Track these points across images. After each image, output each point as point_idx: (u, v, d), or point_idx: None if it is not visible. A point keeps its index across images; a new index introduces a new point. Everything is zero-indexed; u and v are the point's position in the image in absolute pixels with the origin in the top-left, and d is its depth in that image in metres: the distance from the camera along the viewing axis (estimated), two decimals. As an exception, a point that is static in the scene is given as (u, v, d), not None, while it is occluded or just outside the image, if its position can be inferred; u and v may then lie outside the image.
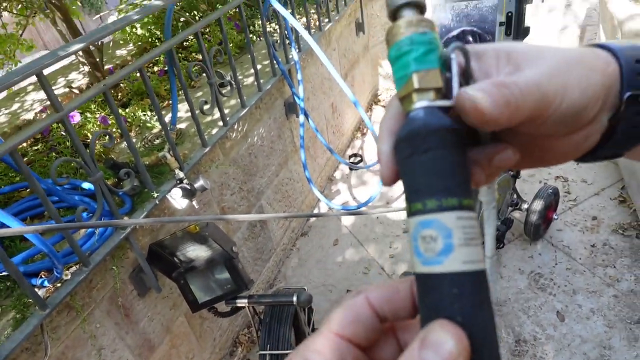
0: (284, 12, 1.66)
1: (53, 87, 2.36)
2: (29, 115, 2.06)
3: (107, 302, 1.34)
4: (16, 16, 2.46)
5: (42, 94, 2.30)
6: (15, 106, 2.20)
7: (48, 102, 2.18)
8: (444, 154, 0.21)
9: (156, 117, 1.90)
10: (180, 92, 1.68)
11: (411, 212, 0.21)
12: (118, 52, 2.59)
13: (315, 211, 2.73)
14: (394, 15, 0.24)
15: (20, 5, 2.34)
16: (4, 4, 2.30)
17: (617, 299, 1.95)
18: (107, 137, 1.20)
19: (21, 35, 2.32)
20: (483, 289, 0.21)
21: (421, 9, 0.23)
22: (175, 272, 1.46)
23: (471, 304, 0.20)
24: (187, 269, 1.44)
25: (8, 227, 0.98)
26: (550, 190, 2.16)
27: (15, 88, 2.59)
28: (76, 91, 2.20)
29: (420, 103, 0.22)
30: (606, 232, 2.25)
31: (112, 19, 2.68)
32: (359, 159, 3.07)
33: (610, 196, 2.45)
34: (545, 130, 0.27)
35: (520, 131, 0.26)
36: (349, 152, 3.20)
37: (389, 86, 3.72)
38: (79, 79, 2.36)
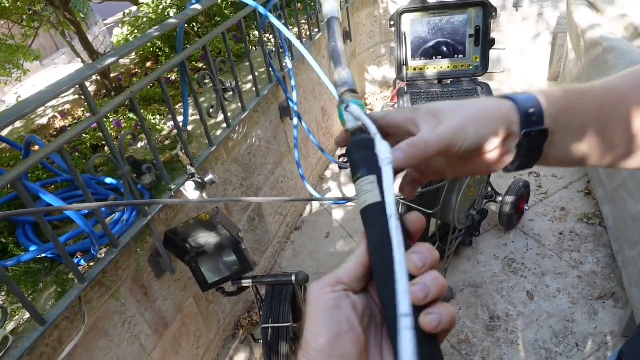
0: (280, 26, 1.87)
1: (64, 95, 2.54)
2: (43, 121, 2.24)
3: (130, 281, 1.53)
4: (22, 27, 2.64)
5: (52, 101, 2.47)
6: (30, 112, 2.37)
7: (60, 109, 2.36)
8: (355, 154, 0.40)
9: (164, 121, 2.10)
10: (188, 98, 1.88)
11: (353, 181, 0.40)
12: (122, 62, 2.77)
13: (308, 207, 2.93)
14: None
15: (26, 18, 2.51)
16: (14, 17, 2.48)
17: (581, 279, 2.18)
18: (132, 136, 1.39)
19: (30, 46, 2.50)
20: (372, 215, 0.37)
21: (354, 91, 0.42)
22: (187, 256, 1.65)
23: (368, 222, 0.37)
24: (198, 253, 1.64)
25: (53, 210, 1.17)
26: (522, 184, 2.40)
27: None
28: (87, 97, 2.38)
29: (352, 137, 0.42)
30: (573, 221, 2.50)
31: (116, 31, 2.86)
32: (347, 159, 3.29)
33: (577, 189, 2.70)
34: (458, 157, 0.40)
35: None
36: (339, 152, 3.42)
37: (375, 90, 3.96)
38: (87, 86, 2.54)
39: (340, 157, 3.32)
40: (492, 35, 1.84)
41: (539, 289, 2.17)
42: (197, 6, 1.60)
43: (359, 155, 0.39)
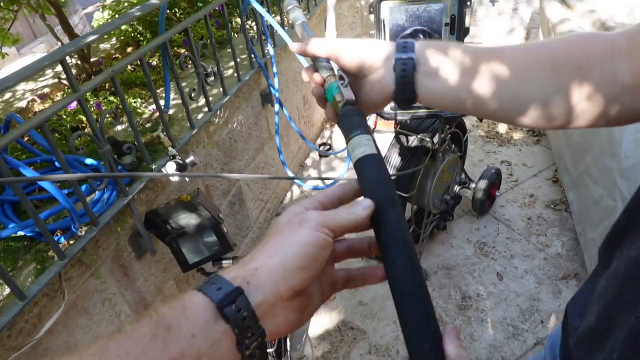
0: (263, 12, 1.90)
1: (42, 78, 2.51)
2: (22, 104, 2.21)
3: (110, 261, 1.54)
4: (0, 10, 2.57)
5: (31, 85, 2.43)
6: (7, 95, 2.33)
7: (39, 92, 2.33)
8: (349, 119, 0.48)
9: (145, 104, 2.10)
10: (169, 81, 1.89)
11: (347, 141, 0.47)
12: (102, 46, 2.74)
13: (288, 194, 2.97)
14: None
15: (4, 1, 2.45)
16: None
17: (547, 260, 2.30)
18: (113, 115, 1.41)
19: (9, 29, 2.44)
20: (370, 162, 0.44)
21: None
22: (168, 237, 1.67)
23: (365, 168, 0.44)
24: (179, 234, 1.66)
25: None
26: (494, 171, 2.50)
27: None
28: (65, 82, 2.36)
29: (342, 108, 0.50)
30: (540, 207, 2.62)
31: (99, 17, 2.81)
32: (327, 147, 3.34)
33: (545, 177, 2.82)
34: (356, 75, 0.51)
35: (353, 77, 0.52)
36: (319, 141, 3.47)
37: (355, 81, 4.01)
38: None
39: (320, 145, 3.37)
40: (469, 26, 1.90)
41: (508, 271, 2.28)
42: (179, -12, 1.61)
43: (354, 120, 0.47)
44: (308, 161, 3.27)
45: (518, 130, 3.24)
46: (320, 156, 3.22)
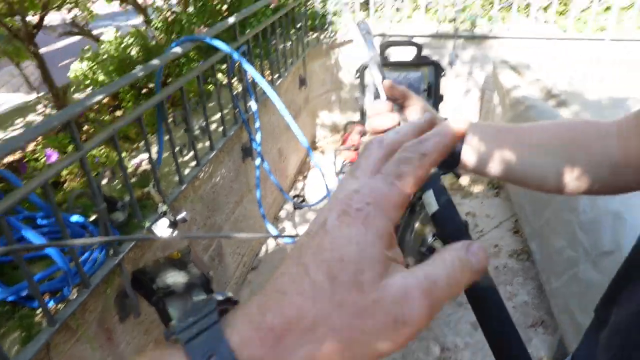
0: (252, 70, 1.99)
1: (11, 128, 2.41)
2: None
3: (95, 325, 1.46)
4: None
5: (0, 134, 2.33)
6: (-29, 144, 2.21)
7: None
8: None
9: (127, 158, 2.08)
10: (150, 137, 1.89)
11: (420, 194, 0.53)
12: (76, 96, 2.70)
13: (264, 247, 2.96)
14: None
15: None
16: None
17: (515, 309, 2.42)
18: (111, 173, 1.39)
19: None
20: (439, 217, 0.51)
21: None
22: (154, 296, 1.62)
23: (437, 224, 0.51)
24: (166, 293, 1.61)
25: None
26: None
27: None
28: (38, 131, 2.28)
29: None
30: (505, 257, 2.78)
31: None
32: (301, 199, 3.39)
33: (507, 228, 3.02)
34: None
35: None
36: (292, 193, 3.52)
37: (325, 134, 4.16)
38: (38, 119, 2.44)
39: (294, 197, 3.42)
40: (442, 94, 2.10)
41: (482, 321, 2.36)
42: (178, 49, 1.67)
43: None
44: (282, 213, 3.29)
45: (479, 183, 3.47)
46: (295, 208, 3.26)
